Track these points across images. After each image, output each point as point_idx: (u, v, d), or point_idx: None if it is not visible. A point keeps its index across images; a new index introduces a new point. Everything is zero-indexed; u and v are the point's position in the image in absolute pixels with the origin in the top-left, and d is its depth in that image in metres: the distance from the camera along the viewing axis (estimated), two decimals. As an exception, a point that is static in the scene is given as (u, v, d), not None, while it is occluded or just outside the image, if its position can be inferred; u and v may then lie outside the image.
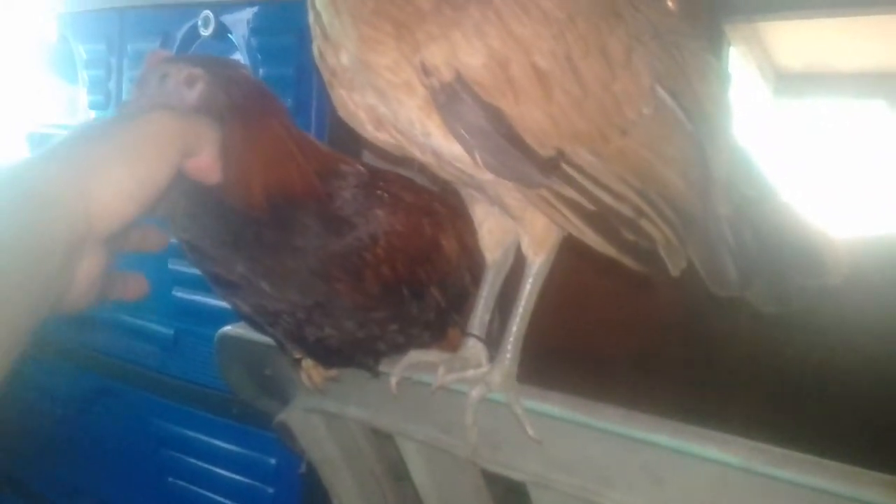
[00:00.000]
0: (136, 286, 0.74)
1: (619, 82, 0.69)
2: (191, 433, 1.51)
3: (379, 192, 0.83)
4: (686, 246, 0.78)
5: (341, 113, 0.75)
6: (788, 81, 3.69)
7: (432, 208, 0.88)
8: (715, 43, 3.38)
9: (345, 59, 0.70)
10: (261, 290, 0.80)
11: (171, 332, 1.55)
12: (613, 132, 0.70)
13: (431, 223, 0.88)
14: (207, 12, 1.43)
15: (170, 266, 1.48)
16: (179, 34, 1.49)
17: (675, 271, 0.77)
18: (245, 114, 0.76)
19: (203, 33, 1.45)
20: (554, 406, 0.72)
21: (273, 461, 1.42)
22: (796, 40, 3.47)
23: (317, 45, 0.73)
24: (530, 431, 0.72)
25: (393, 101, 0.68)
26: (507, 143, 0.67)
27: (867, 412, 1.34)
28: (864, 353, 1.52)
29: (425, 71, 0.64)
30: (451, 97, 0.65)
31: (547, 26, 0.64)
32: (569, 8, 0.66)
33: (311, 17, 0.72)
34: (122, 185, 0.61)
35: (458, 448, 0.82)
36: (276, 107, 0.81)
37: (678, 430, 0.65)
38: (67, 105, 1.77)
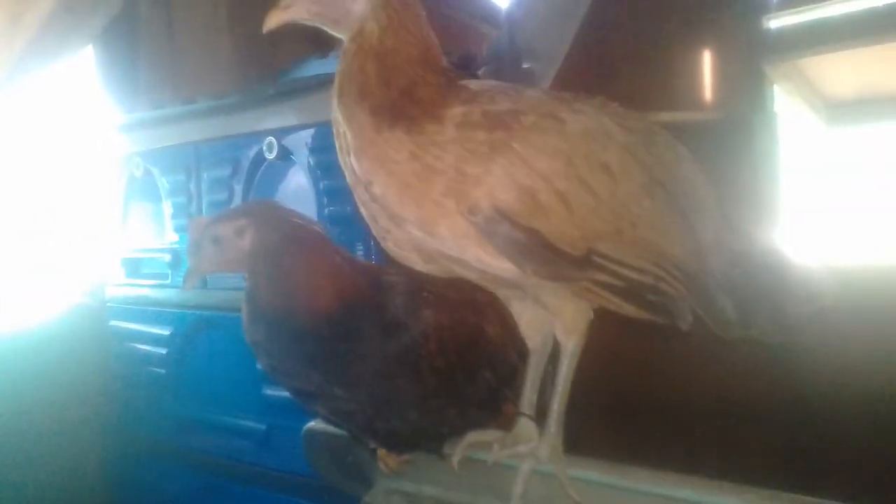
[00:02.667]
0: None
1: (622, 188, 0.84)
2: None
3: (424, 293, 0.95)
4: (690, 300, 0.90)
5: (392, 256, 0.89)
6: (840, 111, 3.69)
7: (474, 299, 1.00)
8: (756, 85, 3.45)
9: (403, 231, 0.84)
10: (335, 395, 0.93)
11: (264, 427, 1.69)
12: (625, 227, 0.85)
13: (474, 313, 1.00)
14: (271, 138, 1.61)
15: (258, 366, 1.62)
16: (247, 160, 1.68)
17: (684, 326, 0.90)
18: (297, 242, 0.91)
19: (268, 157, 1.63)
20: (593, 472, 0.82)
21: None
22: (842, 70, 3.49)
23: (369, 213, 0.87)
24: (575, 496, 0.82)
25: (453, 248, 0.83)
26: (547, 253, 0.81)
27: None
28: None
29: (470, 212, 0.79)
30: (494, 226, 0.80)
31: (558, 158, 0.81)
32: (571, 140, 0.82)
33: (349, 176, 0.85)
34: None
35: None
36: (320, 232, 0.95)
37: (700, 485, 0.73)
38: (155, 231, 1.97)
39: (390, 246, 0.88)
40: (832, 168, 3.68)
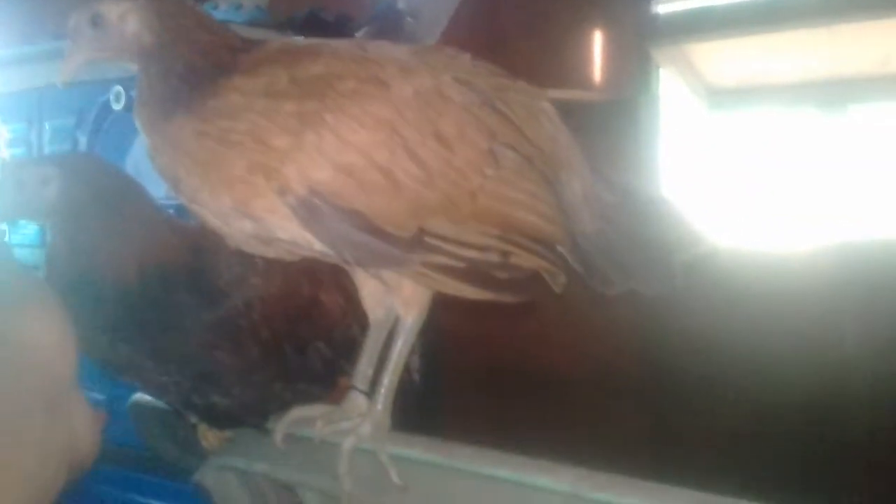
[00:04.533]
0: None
1: (459, 156, 0.77)
2: (129, 495, 1.54)
3: (255, 259, 0.88)
4: (561, 265, 0.86)
5: (233, 245, 0.82)
6: (721, 97, 3.80)
7: (311, 267, 0.93)
8: (642, 67, 3.51)
9: (214, 214, 0.77)
10: (146, 368, 0.85)
11: (104, 398, 1.58)
12: (464, 199, 0.78)
13: (310, 281, 0.93)
14: (118, 87, 1.49)
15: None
16: (93, 110, 1.55)
17: (558, 288, 0.85)
18: (106, 201, 0.82)
19: (115, 107, 1.51)
20: (415, 450, 0.77)
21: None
22: (725, 58, 3.59)
23: (198, 218, 0.80)
24: (394, 477, 0.77)
25: (276, 229, 0.76)
26: (370, 237, 0.75)
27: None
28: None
29: (281, 192, 0.72)
30: (310, 209, 0.73)
31: (379, 128, 0.73)
32: (397, 106, 0.75)
33: (167, 182, 0.78)
34: (57, 329, 0.65)
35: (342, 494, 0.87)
36: (137, 190, 0.86)
37: (514, 463, 0.71)
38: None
39: (232, 243, 0.82)
40: (711, 151, 3.79)
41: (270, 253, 0.83)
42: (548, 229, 0.84)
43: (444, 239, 0.77)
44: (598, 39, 3.48)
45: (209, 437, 0.96)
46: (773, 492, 0.68)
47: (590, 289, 0.91)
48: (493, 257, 0.80)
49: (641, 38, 3.40)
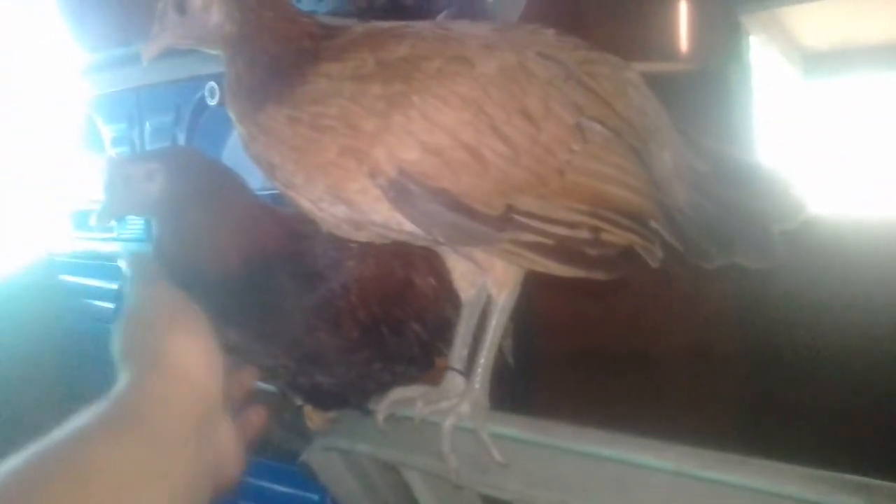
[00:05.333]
0: (257, 418, 0.83)
1: (545, 132, 0.76)
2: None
3: (349, 243, 0.90)
4: (655, 240, 0.84)
5: (325, 228, 0.84)
6: (816, 62, 3.64)
7: (403, 250, 0.94)
8: (732, 35, 3.39)
9: (309, 199, 0.79)
10: (254, 351, 0.88)
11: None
12: (552, 175, 0.77)
13: (403, 264, 0.94)
14: (212, 84, 1.54)
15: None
16: (189, 107, 1.60)
17: (654, 263, 0.84)
18: (207, 193, 0.85)
19: (210, 102, 1.56)
20: (515, 429, 0.78)
21: (316, 497, 1.49)
22: (819, 20, 3.44)
23: (292, 202, 0.82)
24: (495, 455, 0.78)
25: (369, 211, 0.77)
26: (459, 216, 0.75)
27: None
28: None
29: (372, 174, 0.73)
30: (400, 190, 0.73)
31: (465, 107, 0.73)
32: (482, 84, 0.74)
33: (262, 170, 0.81)
34: (206, 354, 0.69)
35: (449, 472, 0.88)
36: (237, 181, 0.89)
37: (617, 442, 0.70)
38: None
39: (325, 228, 0.83)
40: (808, 119, 3.64)
41: (362, 236, 0.84)
42: (639, 203, 0.83)
43: (532, 216, 0.77)
44: (683, 7, 3.37)
45: (314, 417, 0.99)
46: (881, 466, 0.65)
47: (687, 263, 0.89)
48: (584, 234, 0.79)
49: (730, 5, 3.28)
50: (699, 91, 3.14)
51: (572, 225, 0.78)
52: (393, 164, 0.72)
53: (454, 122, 0.73)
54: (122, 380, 0.66)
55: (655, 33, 3.38)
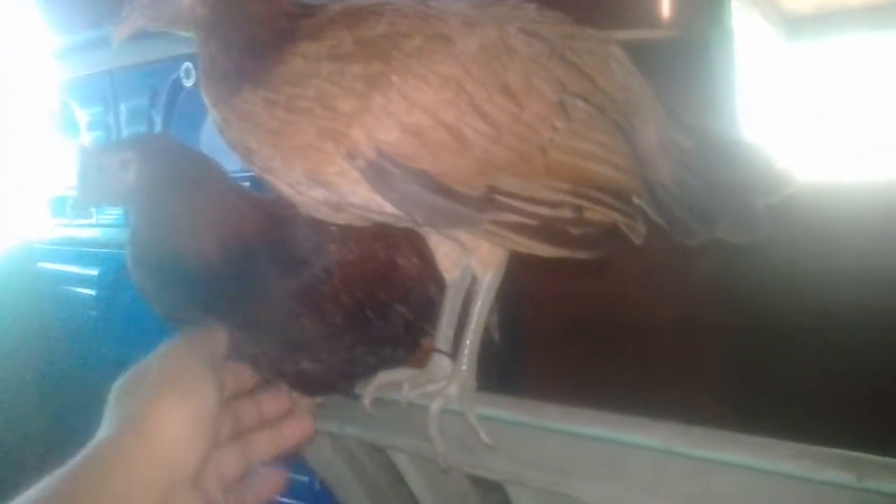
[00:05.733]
0: (274, 482, 0.82)
1: (527, 110, 0.75)
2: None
3: (330, 227, 0.88)
4: (638, 217, 0.84)
5: (304, 211, 0.83)
6: (799, 25, 3.63)
7: (385, 231, 0.93)
8: (715, 2, 3.36)
9: (287, 183, 0.78)
10: (237, 339, 0.86)
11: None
12: (534, 153, 0.76)
13: (385, 245, 0.93)
14: (188, 64, 1.51)
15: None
16: (165, 88, 1.57)
17: (638, 241, 0.84)
18: (183, 180, 0.83)
19: (186, 84, 1.53)
20: (503, 410, 0.77)
21: (305, 479, 1.49)
22: (801, -18, 3.41)
23: (271, 187, 0.81)
24: (483, 437, 0.77)
25: (348, 194, 0.76)
26: (439, 197, 0.74)
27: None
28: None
29: (350, 155, 0.71)
30: (379, 172, 0.72)
31: (445, 86, 0.72)
32: (462, 62, 0.73)
33: (238, 155, 0.79)
34: (186, 425, 0.67)
35: (436, 455, 0.87)
36: (213, 167, 0.87)
37: (606, 421, 0.69)
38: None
39: (305, 211, 0.82)
40: (792, 83, 3.63)
41: (342, 219, 0.83)
42: (622, 180, 0.82)
43: (514, 196, 0.76)
44: (664, -27, 3.35)
45: (301, 403, 0.97)
46: (869, 439, 0.65)
47: (671, 239, 0.88)
48: (566, 213, 0.78)
49: (711, -31, 3.25)
50: (681, 58, 3.12)
51: (555, 204, 0.77)
52: (371, 145, 0.71)
53: (434, 102, 0.71)
54: (102, 429, 0.65)
55: (636, 0, 3.35)
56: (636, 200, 0.84)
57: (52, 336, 1.99)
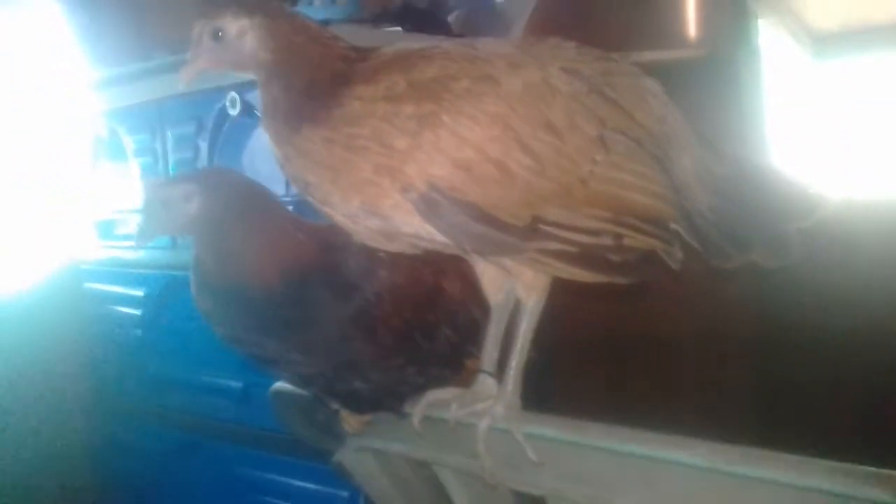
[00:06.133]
0: None
1: (569, 144, 0.80)
2: (268, 475, 1.65)
3: (379, 253, 0.93)
4: (675, 242, 0.88)
5: (358, 240, 0.87)
6: (826, 42, 3.63)
7: (432, 257, 0.98)
8: (740, 19, 3.39)
9: (344, 214, 0.82)
10: (293, 361, 0.92)
11: (241, 384, 1.69)
12: (576, 185, 0.80)
13: (432, 271, 0.98)
14: (233, 94, 1.57)
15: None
16: (211, 117, 1.64)
17: (675, 265, 0.88)
18: (243, 211, 0.89)
19: (231, 113, 1.59)
20: (548, 429, 0.81)
21: (346, 494, 1.53)
22: (826, 2, 3.43)
23: (327, 217, 0.86)
24: (530, 454, 0.81)
25: (401, 224, 0.81)
26: (487, 228, 0.78)
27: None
28: None
29: (404, 189, 0.76)
30: (430, 204, 0.77)
31: (493, 124, 0.77)
32: (508, 102, 0.78)
33: (297, 188, 0.84)
34: None
35: (483, 471, 0.91)
36: (269, 198, 0.93)
37: (648, 439, 0.73)
38: (125, 191, 1.94)
39: (359, 240, 0.87)
40: (819, 101, 3.64)
41: (394, 247, 0.87)
42: (660, 209, 0.86)
43: (557, 226, 0.80)
44: (692, -6, 3.38)
45: (351, 421, 1.02)
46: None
47: (707, 263, 0.92)
48: (607, 241, 0.82)
49: (739, -11, 3.28)
50: (709, 76, 3.15)
51: (595, 232, 0.81)
52: (424, 179, 0.76)
53: (482, 139, 0.76)
54: None
55: (664, 19, 3.38)
56: (673, 226, 0.88)
57: (97, 354, 2.05)
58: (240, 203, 0.91)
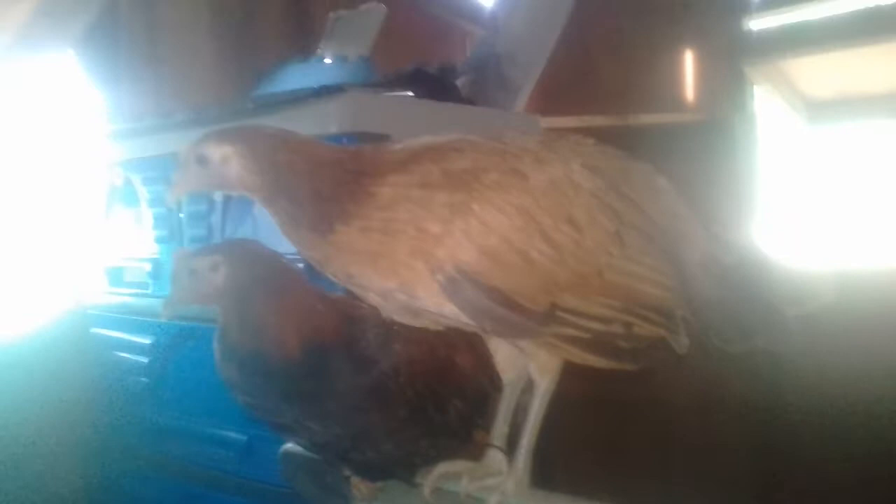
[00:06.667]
0: None
1: (588, 238, 0.85)
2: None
3: (395, 327, 0.97)
4: (681, 330, 0.92)
5: (386, 315, 0.92)
6: (820, 110, 3.73)
7: (445, 332, 1.02)
8: (737, 86, 3.47)
9: (378, 293, 0.87)
10: (310, 429, 0.95)
11: (245, 438, 1.71)
12: (592, 275, 0.85)
13: (445, 345, 1.02)
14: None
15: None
16: (226, 173, 1.68)
17: (681, 351, 0.92)
18: (267, 282, 0.93)
19: (247, 170, 1.63)
20: (557, 507, 0.84)
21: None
22: (822, 70, 3.53)
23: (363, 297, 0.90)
24: (538, 533, 0.85)
25: (429, 304, 0.85)
26: (508, 311, 0.83)
27: None
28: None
29: (433, 271, 0.81)
30: (457, 286, 0.81)
31: (519, 216, 0.82)
32: (534, 195, 0.83)
33: (338, 280, 0.88)
34: None
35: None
36: (292, 270, 0.97)
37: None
38: (137, 240, 1.97)
39: (386, 315, 0.91)
40: (813, 167, 3.71)
41: (418, 323, 0.91)
42: (668, 299, 0.91)
43: (573, 312, 0.85)
44: (689, 59, 3.48)
45: (362, 488, 1.05)
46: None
47: (711, 348, 0.96)
48: (618, 329, 0.87)
49: (735, 56, 3.38)
50: (705, 140, 3.23)
51: (608, 320, 0.86)
52: (452, 263, 0.80)
53: (508, 228, 0.81)
54: None
55: (662, 83, 3.47)
56: (680, 314, 0.92)
57: (101, 399, 2.06)
58: (264, 274, 0.95)
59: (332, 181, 0.85)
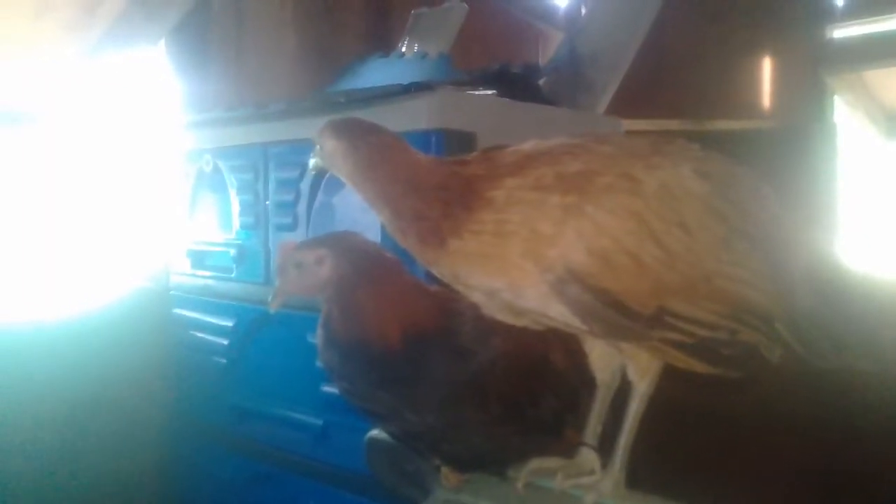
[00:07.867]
0: None
1: (698, 242, 0.85)
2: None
3: (492, 321, 0.98)
4: (778, 340, 0.92)
5: (488, 312, 0.94)
6: (901, 123, 3.63)
7: (538, 330, 1.03)
8: (817, 95, 3.40)
9: (483, 292, 0.89)
10: (405, 418, 0.97)
11: (321, 422, 1.75)
12: (700, 280, 0.86)
13: (539, 340, 1.02)
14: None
15: (318, 364, 1.68)
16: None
17: (774, 361, 0.92)
18: (370, 274, 0.96)
19: (334, 162, 1.67)
20: (654, 509, 0.85)
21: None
22: (904, 83, 3.43)
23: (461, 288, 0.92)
24: (633, 531, 0.85)
25: (536, 303, 0.86)
26: (616, 313, 0.84)
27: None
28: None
29: (543, 272, 0.82)
30: (566, 287, 0.83)
31: (630, 218, 0.83)
32: (645, 199, 0.84)
33: (447, 280, 0.91)
34: None
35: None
36: (394, 262, 1.00)
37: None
38: (222, 225, 2.03)
39: (488, 313, 0.93)
40: (891, 180, 3.62)
41: (520, 322, 0.93)
42: (771, 307, 0.90)
43: (680, 317, 0.85)
44: (769, 67, 3.43)
45: (451, 478, 1.07)
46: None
47: (804, 362, 0.96)
48: (723, 335, 0.87)
49: (816, 65, 3.31)
50: (782, 148, 3.18)
51: (713, 326, 0.86)
52: (563, 263, 0.82)
53: (620, 231, 0.82)
54: None
55: (742, 90, 3.43)
56: (777, 325, 0.92)
57: (180, 378, 2.13)
58: (367, 266, 0.98)
59: (442, 202, 0.87)
